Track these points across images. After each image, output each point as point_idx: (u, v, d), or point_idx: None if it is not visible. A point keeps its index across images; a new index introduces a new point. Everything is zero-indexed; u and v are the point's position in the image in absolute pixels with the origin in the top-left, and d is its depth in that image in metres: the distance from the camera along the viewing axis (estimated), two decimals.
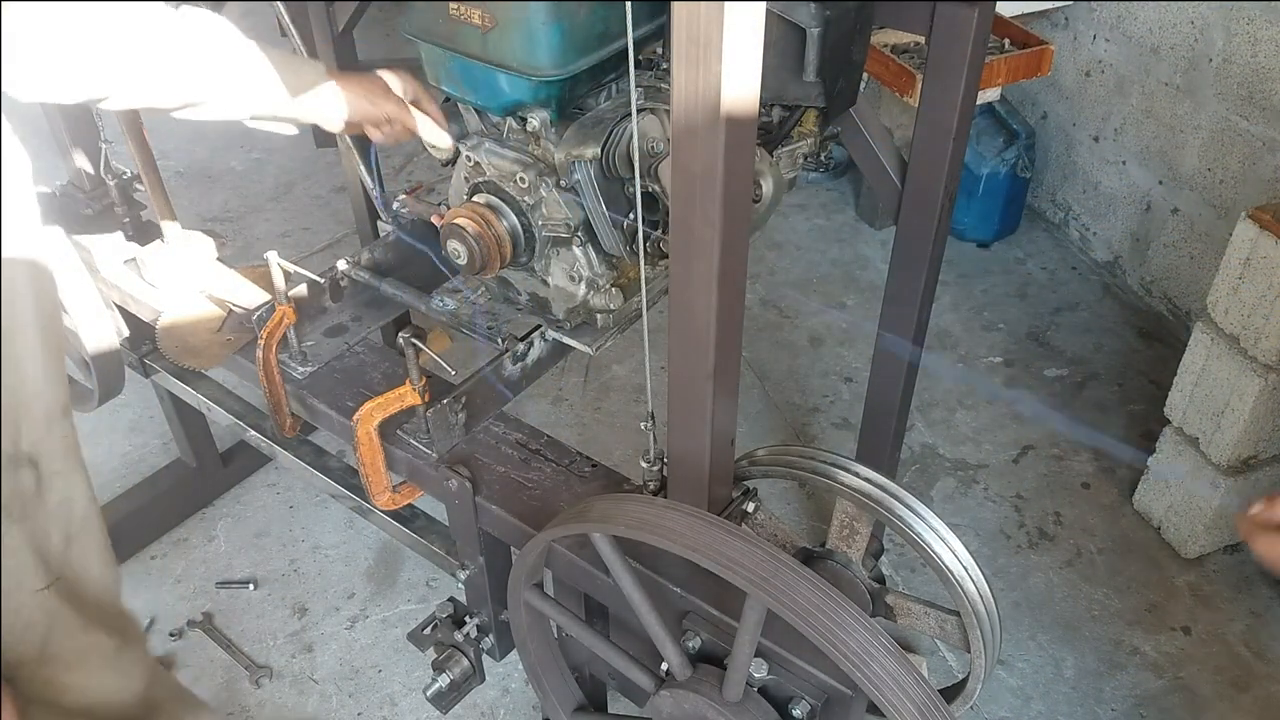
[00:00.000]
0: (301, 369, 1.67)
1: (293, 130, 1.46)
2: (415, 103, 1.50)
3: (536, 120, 1.42)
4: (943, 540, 1.38)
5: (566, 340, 1.58)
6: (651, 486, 1.40)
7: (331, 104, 1.42)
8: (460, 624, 1.70)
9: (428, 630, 1.73)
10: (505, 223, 1.49)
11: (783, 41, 1.36)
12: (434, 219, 1.57)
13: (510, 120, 1.49)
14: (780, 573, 1.06)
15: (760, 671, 1.23)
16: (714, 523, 1.12)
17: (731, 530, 1.10)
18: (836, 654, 1.03)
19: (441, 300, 1.64)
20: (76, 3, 1.15)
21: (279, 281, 1.57)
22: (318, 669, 2.23)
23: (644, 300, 1.27)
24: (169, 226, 1.95)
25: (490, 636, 1.71)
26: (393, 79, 1.48)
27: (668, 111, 1.28)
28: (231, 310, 1.77)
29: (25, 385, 1.02)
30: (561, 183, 1.44)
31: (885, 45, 2.78)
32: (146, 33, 1.23)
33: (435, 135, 1.52)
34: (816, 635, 1.03)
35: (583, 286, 1.52)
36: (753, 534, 1.17)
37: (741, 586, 1.07)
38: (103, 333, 1.76)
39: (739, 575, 1.06)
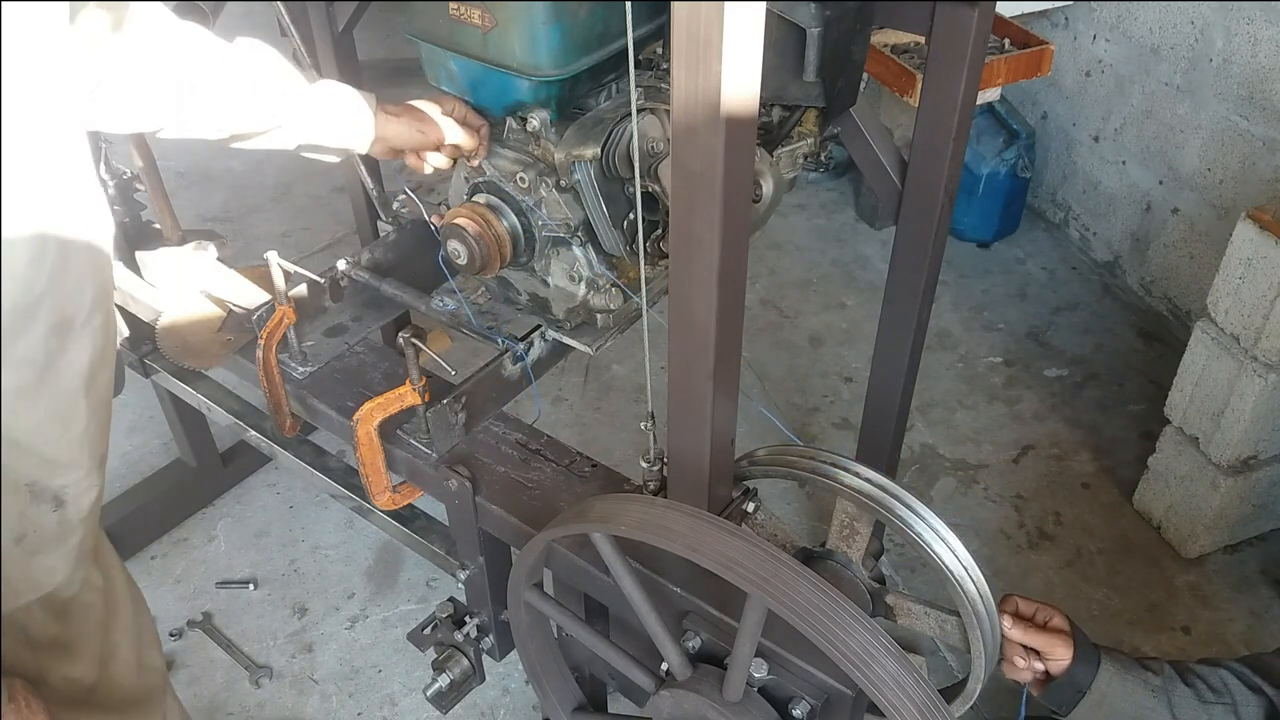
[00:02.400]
0: (301, 369, 1.67)
1: (338, 159, 1.48)
2: (461, 120, 1.49)
3: (536, 120, 1.42)
4: (943, 540, 1.37)
5: (566, 340, 1.58)
6: (651, 486, 1.40)
7: (372, 134, 1.44)
8: (460, 624, 1.70)
9: (428, 630, 1.73)
10: (505, 223, 1.50)
11: (783, 41, 1.36)
12: (434, 219, 1.57)
13: (510, 120, 1.49)
14: (780, 573, 1.06)
15: (760, 671, 1.22)
16: (714, 523, 1.11)
17: (732, 530, 1.10)
18: (837, 654, 1.03)
19: (441, 300, 1.64)
20: (146, 41, 1.17)
21: (279, 281, 1.56)
22: (318, 669, 2.23)
23: (644, 300, 1.26)
24: (169, 227, 1.95)
25: (490, 636, 1.71)
26: (428, 105, 1.47)
27: (668, 111, 1.28)
28: (231, 310, 1.77)
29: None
30: (561, 183, 1.44)
31: (885, 45, 2.78)
32: (210, 68, 1.25)
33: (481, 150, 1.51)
34: (817, 635, 1.03)
35: (583, 286, 1.52)
36: (753, 534, 1.17)
37: (742, 586, 1.06)
38: None
39: (739, 575, 1.06)
